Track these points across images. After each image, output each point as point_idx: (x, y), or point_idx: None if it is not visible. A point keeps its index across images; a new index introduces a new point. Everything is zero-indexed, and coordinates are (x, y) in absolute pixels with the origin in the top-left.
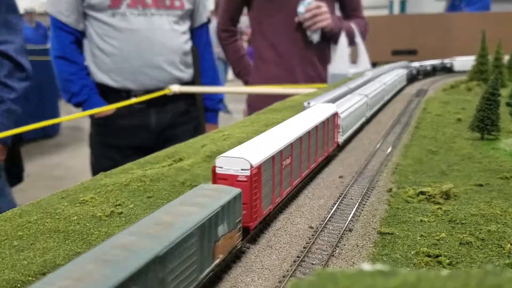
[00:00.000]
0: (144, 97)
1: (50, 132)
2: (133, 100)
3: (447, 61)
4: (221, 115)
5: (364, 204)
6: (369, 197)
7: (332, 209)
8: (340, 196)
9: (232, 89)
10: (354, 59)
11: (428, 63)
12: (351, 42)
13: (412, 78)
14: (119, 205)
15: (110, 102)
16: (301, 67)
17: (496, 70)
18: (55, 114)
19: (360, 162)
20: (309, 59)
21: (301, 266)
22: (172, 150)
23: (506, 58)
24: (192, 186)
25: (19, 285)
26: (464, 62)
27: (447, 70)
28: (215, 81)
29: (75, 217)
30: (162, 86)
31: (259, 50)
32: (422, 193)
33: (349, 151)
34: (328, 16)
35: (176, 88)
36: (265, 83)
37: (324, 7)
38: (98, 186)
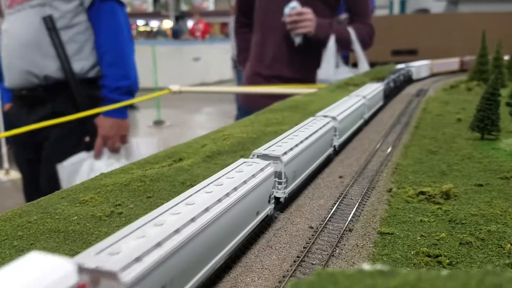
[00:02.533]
0: (144, 97)
1: None
2: (133, 100)
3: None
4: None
5: (364, 204)
6: (369, 197)
7: (332, 209)
8: (340, 196)
9: (232, 89)
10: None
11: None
12: (345, 47)
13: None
14: (119, 205)
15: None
16: (285, 68)
17: (496, 70)
18: None
19: (360, 162)
20: (292, 61)
21: (301, 266)
22: (172, 150)
23: (506, 58)
24: (192, 186)
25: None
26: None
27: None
28: (117, 61)
29: (75, 217)
30: (35, 83)
31: (252, 47)
32: (422, 193)
33: (349, 151)
34: (310, 24)
35: (175, 88)
36: (250, 79)
37: (308, 14)
38: (98, 186)
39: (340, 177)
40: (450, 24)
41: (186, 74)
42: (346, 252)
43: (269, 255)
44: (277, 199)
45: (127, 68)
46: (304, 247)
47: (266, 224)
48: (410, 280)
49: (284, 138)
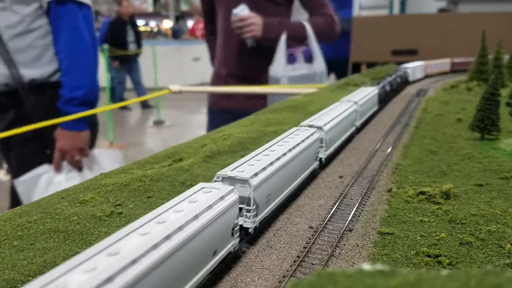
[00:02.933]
0: (144, 97)
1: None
2: (133, 100)
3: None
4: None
5: (364, 204)
6: (369, 197)
7: (332, 209)
8: (340, 196)
9: (232, 89)
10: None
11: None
12: (300, 43)
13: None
14: (119, 205)
15: None
16: (240, 67)
17: (496, 70)
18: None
19: (360, 162)
20: (248, 60)
21: (301, 266)
22: (172, 150)
23: (506, 58)
24: (192, 186)
25: (19, 285)
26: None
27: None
28: (71, 69)
29: (75, 217)
30: None
31: (216, 50)
32: (422, 193)
33: (349, 151)
34: (255, 28)
35: (175, 88)
36: (213, 81)
37: (251, 19)
38: (98, 186)
39: (340, 177)
40: (450, 24)
41: (186, 74)
42: (346, 252)
43: (269, 255)
44: (245, 229)
45: (83, 77)
46: (304, 247)
47: (229, 261)
48: (410, 280)
49: (258, 154)
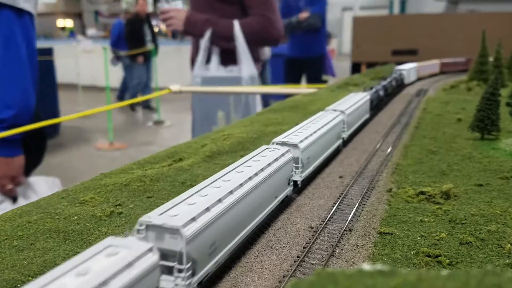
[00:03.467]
0: (144, 97)
1: (50, 132)
2: (133, 100)
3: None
4: None
5: (364, 204)
6: (369, 197)
7: (332, 209)
8: (340, 196)
9: (232, 89)
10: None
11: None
12: (226, 43)
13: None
14: (119, 205)
15: None
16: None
17: (496, 70)
18: (55, 114)
19: (360, 162)
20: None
21: (301, 266)
22: (172, 150)
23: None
24: (192, 186)
25: (19, 285)
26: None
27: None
28: (1, 82)
29: (75, 217)
30: None
31: None
32: (422, 193)
33: (349, 151)
34: (175, 22)
35: (176, 88)
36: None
37: (173, 12)
38: (98, 186)
39: (340, 177)
40: (450, 24)
41: (186, 74)
42: (346, 252)
43: (269, 255)
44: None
45: (13, 96)
46: (304, 247)
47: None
48: (410, 280)
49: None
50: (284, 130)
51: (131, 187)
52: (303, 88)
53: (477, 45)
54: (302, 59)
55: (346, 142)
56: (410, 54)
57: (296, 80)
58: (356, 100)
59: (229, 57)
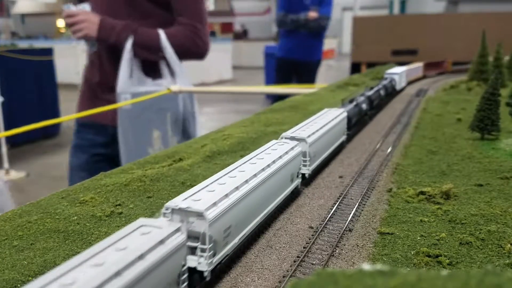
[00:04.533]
0: (144, 97)
1: (50, 132)
2: (133, 100)
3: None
4: None
5: (364, 204)
6: (369, 197)
7: (332, 209)
8: (340, 196)
9: (232, 89)
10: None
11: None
12: (153, 54)
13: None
14: (119, 205)
15: None
16: (97, 74)
17: (496, 70)
18: (55, 114)
19: (360, 162)
20: (104, 67)
21: (301, 266)
22: (172, 150)
23: (506, 58)
24: (192, 186)
25: (19, 285)
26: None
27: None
28: None
29: (75, 217)
30: None
31: None
32: (422, 193)
33: (349, 151)
34: (85, 26)
35: (176, 88)
36: (82, 88)
37: (83, 15)
38: (98, 186)
39: (340, 177)
40: (450, 24)
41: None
42: (346, 252)
43: (269, 255)
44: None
45: None
46: (304, 247)
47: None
48: (410, 280)
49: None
50: (284, 130)
51: (131, 187)
52: (303, 88)
53: (477, 45)
54: (299, 62)
55: (308, 181)
56: (410, 54)
57: (286, 83)
58: (326, 121)
59: (149, 70)
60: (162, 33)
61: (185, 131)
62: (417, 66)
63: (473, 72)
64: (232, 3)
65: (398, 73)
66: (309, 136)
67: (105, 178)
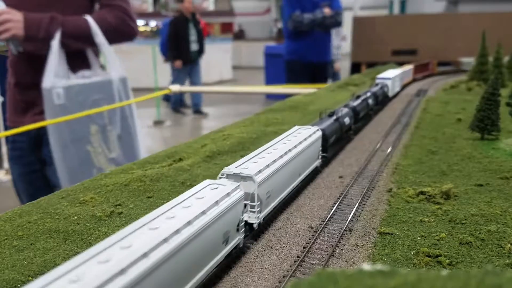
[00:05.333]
0: (144, 97)
1: None
2: (132, 100)
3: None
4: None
5: (364, 204)
6: (369, 197)
7: (332, 209)
8: (340, 196)
9: (232, 89)
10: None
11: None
12: (86, 42)
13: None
14: (119, 205)
15: None
16: (20, 77)
17: (496, 70)
18: None
19: (360, 162)
20: (25, 67)
21: (301, 266)
22: (172, 150)
23: (506, 58)
24: (192, 186)
25: (19, 285)
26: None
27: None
28: None
29: (75, 217)
30: None
31: None
32: (422, 193)
33: (349, 151)
34: (12, 26)
35: (175, 88)
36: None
37: (6, 14)
38: (98, 186)
39: (340, 177)
40: (450, 24)
41: None
42: (346, 252)
43: (269, 255)
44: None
45: None
46: (304, 247)
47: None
48: (410, 280)
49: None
50: (284, 130)
51: (131, 187)
52: (303, 88)
53: (477, 45)
54: (314, 64)
55: (261, 230)
56: (410, 54)
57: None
58: (292, 145)
59: (76, 61)
60: (90, 19)
61: (124, 122)
62: (409, 68)
63: (473, 72)
64: (232, 3)
65: (390, 78)
66: (259, 171)
67: (105, 178)
